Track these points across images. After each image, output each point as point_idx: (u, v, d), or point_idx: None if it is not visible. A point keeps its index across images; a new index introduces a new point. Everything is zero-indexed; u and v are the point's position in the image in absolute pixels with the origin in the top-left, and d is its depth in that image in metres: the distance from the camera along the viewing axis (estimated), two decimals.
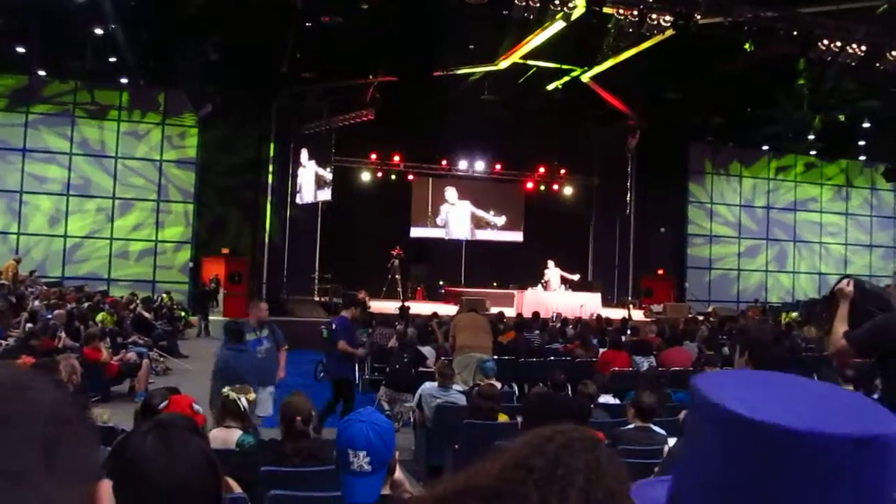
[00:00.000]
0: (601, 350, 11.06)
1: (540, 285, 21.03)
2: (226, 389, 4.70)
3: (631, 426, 5.36)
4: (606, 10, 14.97)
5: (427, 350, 10.53)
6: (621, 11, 14.92)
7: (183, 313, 19.06)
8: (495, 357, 10.26)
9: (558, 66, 20.10)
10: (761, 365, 3.79)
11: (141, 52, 18.38)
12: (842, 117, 21.39)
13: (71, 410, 0.56)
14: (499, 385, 7.91)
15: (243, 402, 4.55)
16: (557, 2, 14.22)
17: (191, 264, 21.83)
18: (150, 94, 21.62)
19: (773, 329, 13.53)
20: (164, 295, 19.31)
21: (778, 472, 0.75)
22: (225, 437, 4.45)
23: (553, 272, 21.14)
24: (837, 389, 0.87)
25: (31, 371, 0.57)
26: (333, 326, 9.02)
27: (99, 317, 13.41)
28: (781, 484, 0.75)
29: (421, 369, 9.62)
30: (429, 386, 7.49)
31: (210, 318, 18.75)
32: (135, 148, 21.86)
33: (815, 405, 0.80)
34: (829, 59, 15.89)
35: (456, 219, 25.34)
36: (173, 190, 22.03)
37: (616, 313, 19.27)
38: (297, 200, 22.52)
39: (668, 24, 15.01)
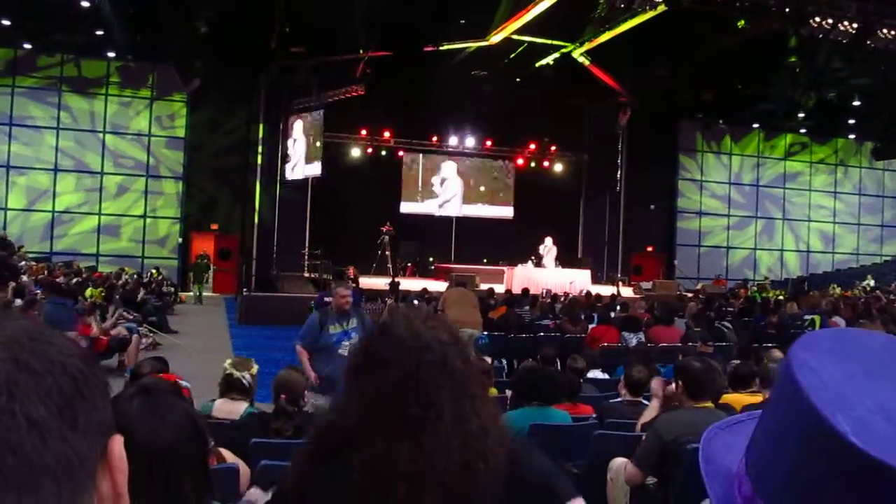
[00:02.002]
0: (590, 326, 11.09)
1: (530, 261, 21.03)
2: (227, 365, 4.70)
3: (619, 399, 5.38)
4: None
5: None
6: None
7: (172, 288, 19.02)
8: (485, 333, 10.30)
9: (550, 42, 19.99)
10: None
11: (128, 25, 18.16)
12: (832, 95, 21.37)
13: (87, 364, 0.56)
14: (489, 360, 7.93)
15: (247, 377, 4.56)
16: None
17: (180, 240, 21.75)
18: (139, 71, 21.38)
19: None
20: (154, 270, 19.27)
21: None
22: (230, 408, 4.48)
23: (550, 249, 21.15)
24: None
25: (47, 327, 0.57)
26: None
27: (87, 292, 13.34)
28: None
29: None
30: None
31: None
32: (124, 125, 21.68)
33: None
34: (821, 36, 15.87)
35: (450, 193, 25.33)
36: (163, 168, 21.91)
37: (605, 290, 19.32)
38: (287, 176, 22.39)
39: (660, 0, 14.93)
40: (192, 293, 19.32)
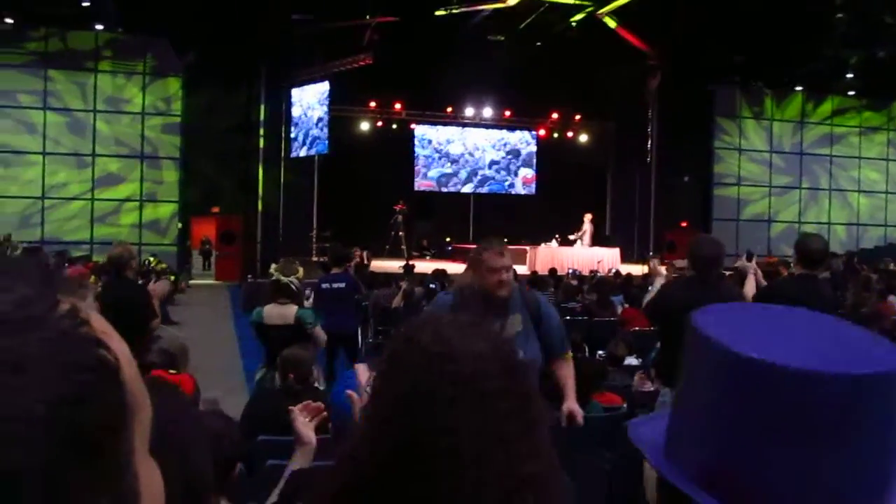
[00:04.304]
0: (620, 308, 11.07)
1: (554, 240, 21.01)
2: (273, 270, 4.93)
3: (651, 387, 5.38)
4: None
5: None
6: None
7: (172, 277, 19.12)
8: None
9: (573, 1, 19.80)
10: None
11: None
12: (882, 54, 21.04)
13: None
14: None
15: (294, 282, 4.76)
16: None
17: (179, 225, 21.86)
18: (131, 45, 21.35)
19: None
20: (152, 258, 19.38)
21: (777, 411, 0.81)
22: (281, 311, 4.68)
23: (588, 227, 21.16)
24: (847, 325, 0.92)
25: None
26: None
27: (91, 280, 13.44)
28: (780, 423, 0.81)
29: None
30: None
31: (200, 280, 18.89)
32: (118, 107, 21.74)
33: (820, 342, 0.86)
34: None
35: (468, 168, 25.32)
36: (161, 152, 21.97)
37: (637, 269, 19.26)
38: (292, 155, 22.40)
39: None
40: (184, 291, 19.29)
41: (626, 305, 11.16)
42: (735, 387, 0.83)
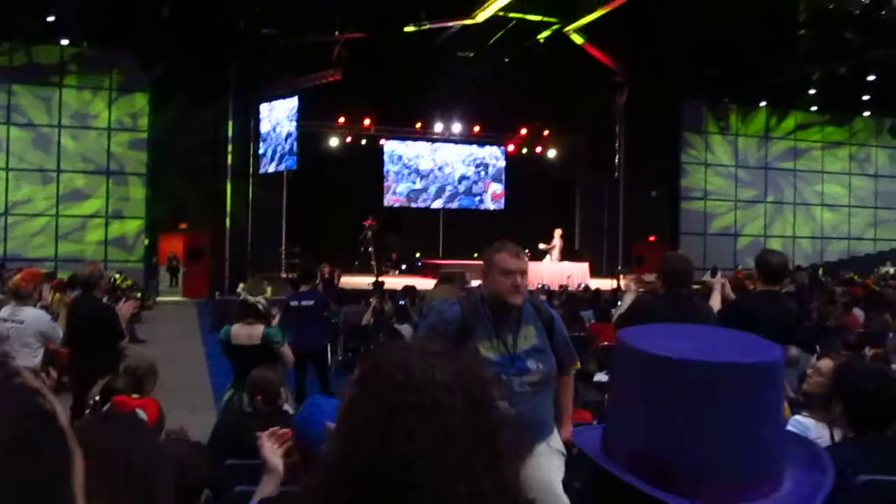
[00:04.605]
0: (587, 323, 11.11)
1: (547, 255, 21.07)
2: (241, 290, 4.92)
3: None
4: None
5: (404, 328, 10.51)
6: None
7: (139, 294, 18.90)
8: None
9: (540, 18, 19.94)
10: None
11: (83, 7, 17.95)
12: (844, 70, 21.43)
13: None
14: None
15: (262, 302, 4.74)
16: None
17: (146, 241, 21.62)
18: (97, 59, 21.15)
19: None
20: (118, 275, 19.13)
21: (679, 397, 1.01)
22: (249, 331, 4.65)
23: (558, 242, 21.24)
24: (740, 333, 1.14)
25: None
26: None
27: (56, 298, 13.22)
28: (681, 405, 1.01)
29: None
30: None
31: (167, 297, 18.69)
32: (84, 123, 21.50)
33: (714, 343, 1.08)
34: (831, 7, 15.90)
35: (437, 183, 25.34)
36: (127, 168, 21.73)
37: (606, 284, 19.34)
38: (260, 169, 22.27)
39: None
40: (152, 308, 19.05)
41: (593, 321, 11.21)
42: (647, 379, 1.04)
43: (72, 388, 5.89)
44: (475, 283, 16.87)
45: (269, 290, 4.91)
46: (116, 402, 3.55)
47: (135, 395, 3.75)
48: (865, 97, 25.52)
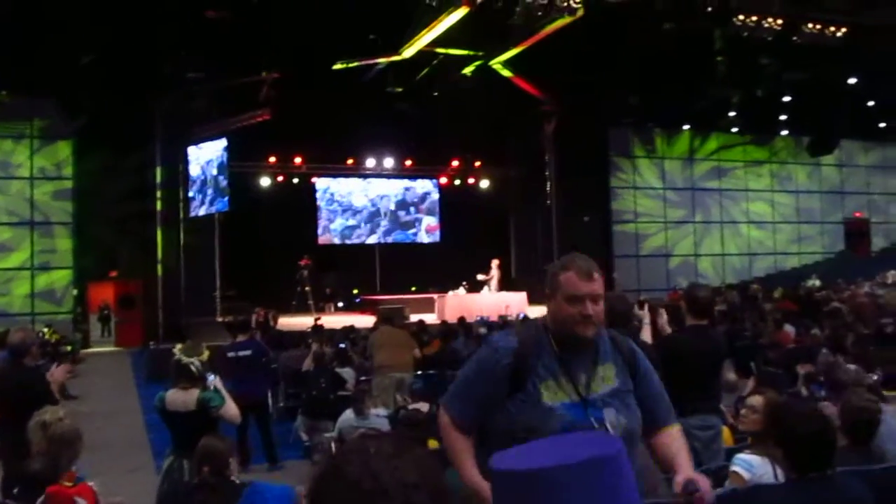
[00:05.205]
0: None
1: (461, 287, 21.12)
2: (176, 350, 4.75)
3: None
4: None
5: (346, 372, 10.42)
6: None
7: (69, 347, 18.36)
8: (419, 372, 10.25)
9: (467, 52, 20.18)
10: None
11: (2, 53, 17.49)
12: (761, 93, 22.16)
13: None
14: (426, 406, 7.87)
15: (196, 364, 4.58)
16: None
17: (75, 292, 21.04)
18: (17, 107, 20.58)
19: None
20: (47, 329, 18.55)
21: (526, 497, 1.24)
22: (184, 397, 4.50)
23: (496, 272, 21.35)
24: (587, 434, 1.48)
25: None
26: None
27: None
28: None
29: (340, 393, 9.50)
30: (347, 416, 7.40)
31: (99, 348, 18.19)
32: (6, 172, 20.88)
33: (557, 449, 1.29)
34: (746, 34, 16.48)
35: (371, 219, 25.31)
36: (52, 219, 21.14)
37: (544, 310, 19.46)
38: (191, 213, 21.90)
39: (579, 5, 15.26)
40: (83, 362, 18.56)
41: None
42: (505, 494, 1.29)
43: (1, 459, 5.66)
44: (414, 316, 16.86)
45: (206, 353, 4.78)
46: (50, 494, 3.41)
47: (67, 484, 3.59)
48: (783, 117, 26.41)
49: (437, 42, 18.67)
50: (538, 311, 19.27)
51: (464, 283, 21.24)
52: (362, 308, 22.17)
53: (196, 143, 21.57)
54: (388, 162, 25.07)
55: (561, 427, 2.45)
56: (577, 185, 25.55)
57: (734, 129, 27.82)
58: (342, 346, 12.13)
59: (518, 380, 2.61)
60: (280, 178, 23.92)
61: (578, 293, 2.66)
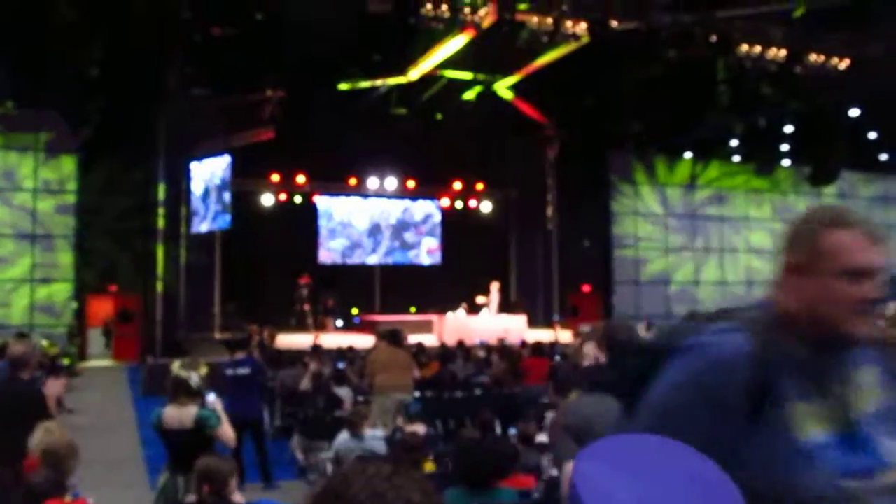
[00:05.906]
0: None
1: (461, 308, 21.11)
2: (174, 366, 4.70)
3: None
4: (521, 17, 15.22)
5: (344, 392, 10.39)
6: (535, 20, 15.20)
7: (67, 360, 18.31)
8: (417, 394, 10.22)
9: (471, 76, 20.30)
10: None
11: (7, 66, 17.57)
12: (763, 122, 22.25)
13: None
14: (423, 428, 7.85)
15: (194, 378, 4.53)
16: (467, 10, 14.37)
17: (75, 305, 21.01)
18: (22, 120, 20.61)
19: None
20: (45, 342, 18.49)
21: None
22: (180, 414, 4.46)
23: (496, 296, 21.37)
24: (698, 473, 1.17)
25: None
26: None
27: None
28: None
29: (337, 414, 9.46)
30: (343, 438, 7.36)
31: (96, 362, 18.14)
32: (10, 186, 20.90)
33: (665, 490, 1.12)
34: (748, 64, 16.57)
35: (372, 238, 25.32)
36: (54, 231, 21.11)
37: (544, 334, 19.47)
38: (192, 229, 21.91)
39: (584, 32, 15.37)
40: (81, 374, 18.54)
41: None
42: None
43: None
44: (413, 337, 16.75)
45: (205, 368, 4.75)
46: None
47: (67, 498, 3.58)
48: (784, 147, 26.47)
49: (443, 65, 18.81)
50: (538, 334, 19.29)
51: (464, 304, 21.23)
52: (362, 328, 22.13)
53: (199, 158, 21.63)
54: (391, 182, 25.11)
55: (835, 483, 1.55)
56: (579, 210, 25.62)
57: (736, 158, 27.89)
58: (340, 366, 12.09)
59: (758, 406, 1.61)
60: (282, 196, 23.95)
61: (865, 265, 1.68)
